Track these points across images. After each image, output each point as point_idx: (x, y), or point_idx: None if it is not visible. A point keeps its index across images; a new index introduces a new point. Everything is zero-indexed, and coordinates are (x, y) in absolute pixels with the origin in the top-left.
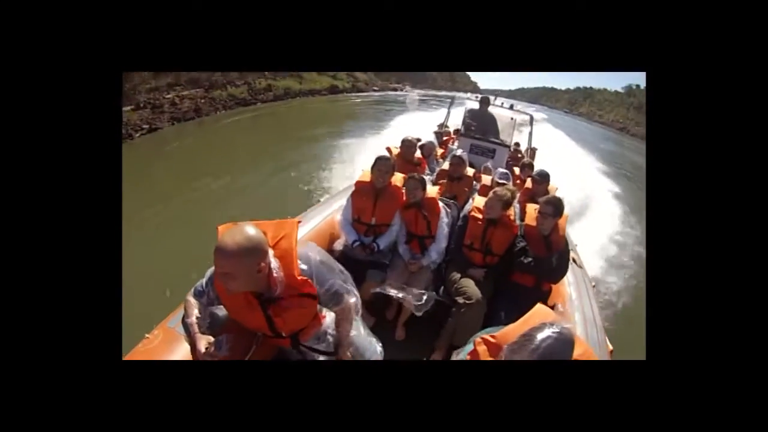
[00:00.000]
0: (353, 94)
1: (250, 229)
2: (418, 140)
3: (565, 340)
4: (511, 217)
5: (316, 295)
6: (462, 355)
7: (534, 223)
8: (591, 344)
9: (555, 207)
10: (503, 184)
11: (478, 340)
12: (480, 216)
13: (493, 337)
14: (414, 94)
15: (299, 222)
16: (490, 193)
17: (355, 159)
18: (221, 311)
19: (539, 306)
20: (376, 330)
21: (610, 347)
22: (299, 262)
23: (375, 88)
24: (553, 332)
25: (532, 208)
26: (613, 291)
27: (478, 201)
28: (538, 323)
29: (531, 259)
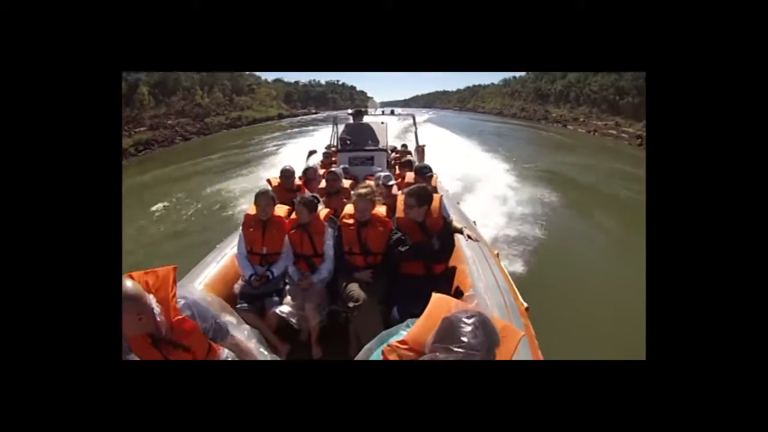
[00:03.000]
0: (290, 117)
1: (127, 284)
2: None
3: (485, 324)
4: (381, 214)
5: (200, 331)
6: (371, 357)
7: (403, 215)
8: (499, 307)
9: (417, 197)
10: (390, 186)
11: (387, 348)
12: (351, 221)
13: (402, 342)
14: (376, 102)
15: (175, 267)
16: (353, 197)
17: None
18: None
19: (436, 297)
20: (293, 354)
21: (525, 304)
22: (179, 304)
23: (295, 112)
24: (468, 322)
25: (399, 201)
26: (521, 238)
27: (348, 208)
28: (446, 318)
29: (408, 247)
